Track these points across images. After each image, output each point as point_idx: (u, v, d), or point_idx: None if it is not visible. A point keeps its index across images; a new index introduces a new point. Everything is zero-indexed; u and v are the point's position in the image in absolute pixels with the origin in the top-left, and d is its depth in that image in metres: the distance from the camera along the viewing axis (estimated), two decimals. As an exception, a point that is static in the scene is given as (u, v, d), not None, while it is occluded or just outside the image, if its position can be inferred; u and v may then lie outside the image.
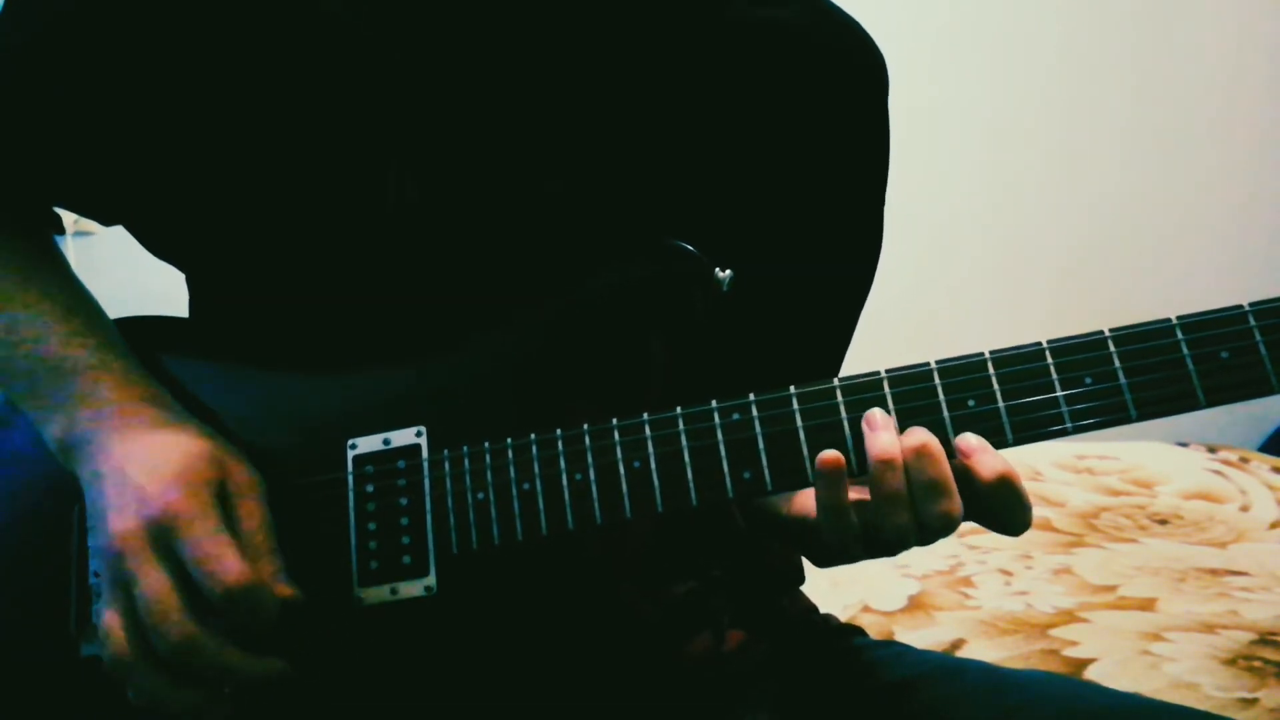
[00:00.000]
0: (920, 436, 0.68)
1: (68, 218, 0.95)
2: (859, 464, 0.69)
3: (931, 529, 0.69)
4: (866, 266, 0.95)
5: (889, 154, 0.94)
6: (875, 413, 0.69)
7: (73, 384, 0.79)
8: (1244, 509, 2.07)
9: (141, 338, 0.86)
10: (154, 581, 0.71)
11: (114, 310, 0.88)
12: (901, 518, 0.68)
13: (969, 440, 0.68)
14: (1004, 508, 0.69)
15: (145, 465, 0.74)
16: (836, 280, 0.93)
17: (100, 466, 0.75)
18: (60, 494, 0.81)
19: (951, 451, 0.68)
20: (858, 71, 0.90)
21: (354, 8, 0.82)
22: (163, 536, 0.72)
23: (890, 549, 0.71)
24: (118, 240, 0.96)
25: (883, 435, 0.68)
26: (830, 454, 0.68)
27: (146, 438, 0.76)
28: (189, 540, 0.71)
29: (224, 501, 0.74)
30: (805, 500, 0.78)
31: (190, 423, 0.78)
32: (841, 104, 0.89)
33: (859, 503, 0.70)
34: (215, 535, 0.72)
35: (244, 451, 0.78)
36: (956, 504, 0.68)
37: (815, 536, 0.73)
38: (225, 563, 0.71)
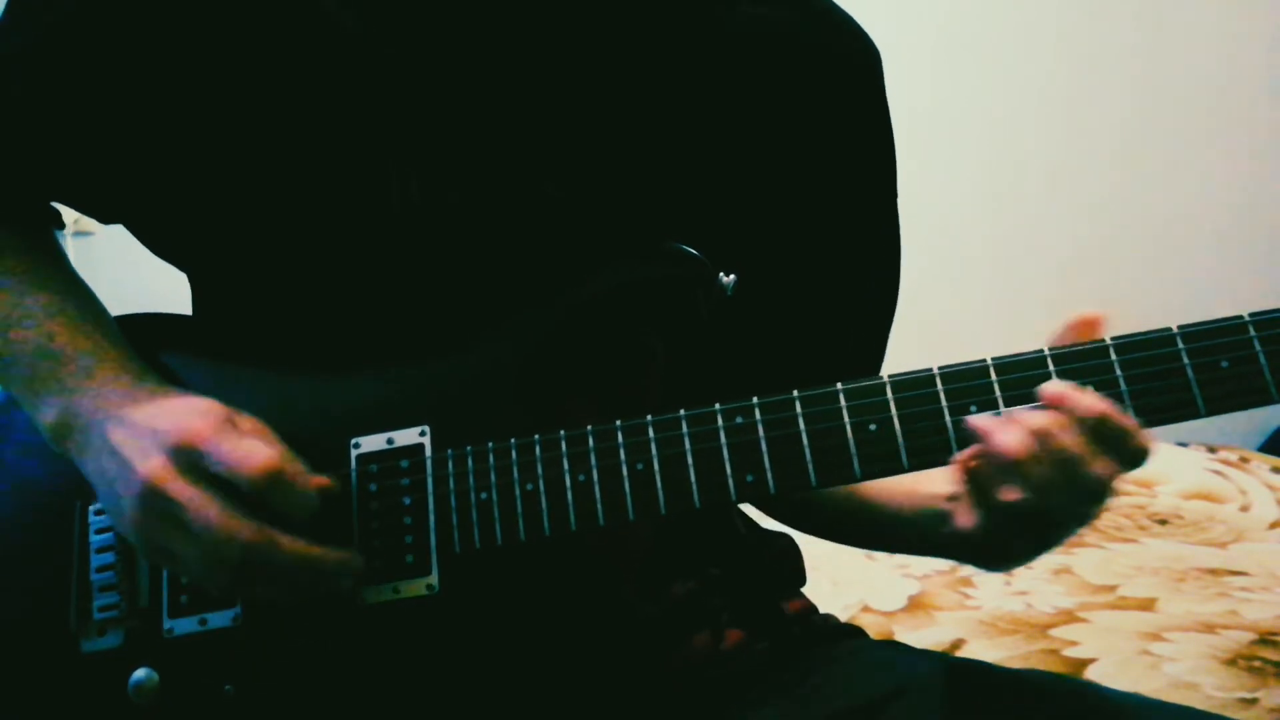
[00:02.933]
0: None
1: (68, 215, 0.95)
2: (861, 468, 0.70)
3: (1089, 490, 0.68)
4: (883, 260, 0.94)
5: (892, 143, 0.93)
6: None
7: (69, 370, 0.79)
8: (1244, 509, 2.08)
9: (144, 334, 0.86)
10: (199, 500, 0.71)
11: (114, 310, 0.88)
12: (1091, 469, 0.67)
13: (1055, 386, 0.68)
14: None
15: (152, 415, 0.75)
16: (846, 278, 0.92)
17: (109, 434, 0.75)
18: (61, 492, 0.81)
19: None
20: (846, 64, 0.90)
21: (357, 11, 0.82)
22: (189, 459, 0.72)
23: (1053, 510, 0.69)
24: (118, 240, 0.96)
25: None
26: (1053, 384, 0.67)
27: (150, 400, 0.77)
28: (213, 450, 0.72)
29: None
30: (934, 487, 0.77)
31: (189, 391, 0.79)
32: (832, 98, 0.89)
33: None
34: (238, 438, 0.72)
35: None
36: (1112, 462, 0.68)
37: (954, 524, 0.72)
38: (255, 452, 0.71)
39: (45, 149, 0.85)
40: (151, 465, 0.72)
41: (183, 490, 0.71)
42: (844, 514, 0.91)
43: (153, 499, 0.72)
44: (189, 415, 0.74)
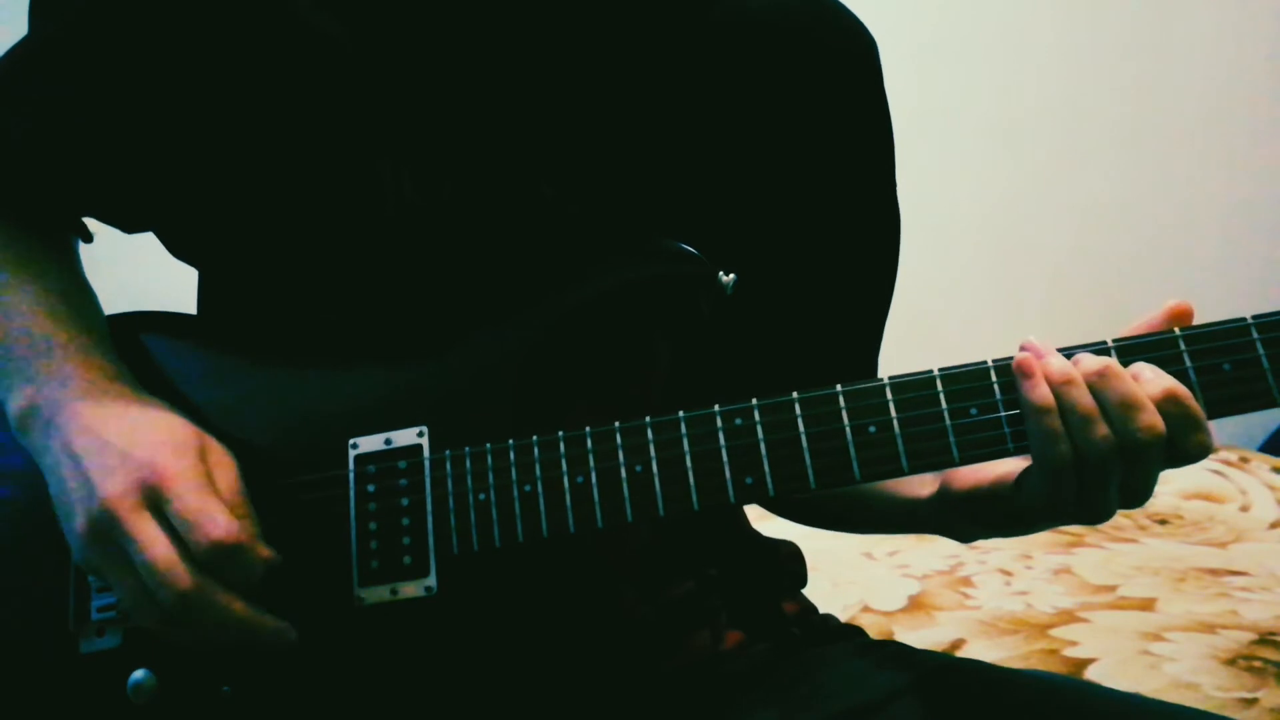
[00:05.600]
0: (1096, 361, 0.67)
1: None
2: (861, 470, 0.69)
3: (1136, 447, 0.66)
4: (882, 253, 0.94)
5: (890, 134, 0.93)
6: (1029, 348, 0.68)
7: (41, 361, 0.79)
8: (1244, 509, 2.08)
9: (143, 331, 0.86)
10: (152, 538, 0.70)
11: (115, 310, 0.88)
12: (1101, 431, 0.66)
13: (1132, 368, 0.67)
14: (1180, 430, 0.66)
15: (126, 432, 0.74)
16: (846, 274, 0.92)
17: (72, 437, 0.74)
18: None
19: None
20: (840, 53, 0.89)
21: (346, 14, 0.83)
22: (153, 497, 0.71)
23: (1100, 485, 0.68)
24: (118, 240, 0.97)
25: (1053, 360, 0.67)
26: (1023, 356, 0.67)
27: (122, 410, 0.76)
28: (177, 498, 0.71)
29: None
30: (979, 473, 0.76)
31: (162, 401, 0.79)
32: (824, 88, 0.88)
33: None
34: (203, 494, 0.71)
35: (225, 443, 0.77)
36: (1157, 417, 0.66)
37: (1005, 502, 0.72)
38: (215, 518, 0.70)
39: (75, 163, 0.86)
40: (112, 491, 0.71)
41: (135, 524, 0.71)
42: (850, 503, 0.92)
43: (106, 524, 0.71)
44: (161, 445, 0.73)
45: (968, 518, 0.79)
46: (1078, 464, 0.67)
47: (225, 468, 0.75)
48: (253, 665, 0.76)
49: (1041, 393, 0.67)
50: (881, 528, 0.98)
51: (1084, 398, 0.67)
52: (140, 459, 0.72)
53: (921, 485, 0.83)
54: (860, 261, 0.93)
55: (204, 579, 0.70)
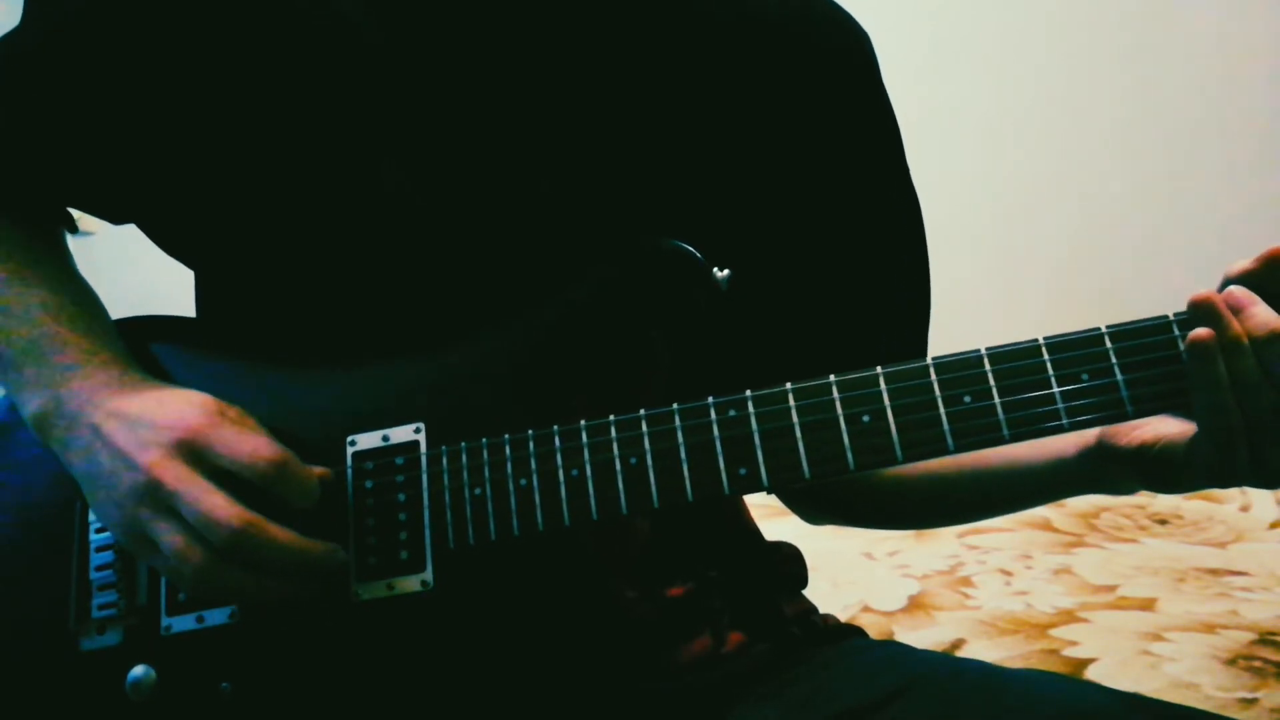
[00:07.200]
0: (1265, 322, 0.64)
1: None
2: (855, 459, 0.70)
3: None
4: (905, 234, 0.94)
5: (896, 131, 0.93)
6: (1206, 308, 0.65)
7: (57, 363, 0.80)
8: (1244, 509, 2.08)
9: (142, 334, 0.86)
10: (198, 487, 0.72)
11: (115, 310, 0.88)
12: (1269, 398, 0.64)
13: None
14: None
15: (150, 408, 0.76)
16: (870, 257, 0.92)
17: (100, 423, 0.76)
18: (61, 493, 0.81)
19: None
20: (839, 54, 0.90)
21: (364, 6, 0.83)
22: (191, 451, 0.73)
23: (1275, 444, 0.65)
24: (118, 240, 0.97)
25: (1229, 327, 0.64)
26: (1202, 330, 0.64)
27: (143, 392, 0.78)
28: (218, 443, 0.73)
29: None
30: (1144, 430, 0.74)
31: (176, 385, 0.80)
32: (825, 87, 0.89)
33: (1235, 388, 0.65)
34: (240, 432, 0.73)
35: None
36: None
37: (1172, 464, 0.71)
38: (260, 448, 0.73)
39: (55, 148, 0.86)
40: (151, 457, 0.73)
41: (180, 479, 0.72)
42: (946, 487, 0.91)
43: (151, 489, 0.72)
44: (186, 408, 0.75)
45: (1134, 473, 0.77)
46: (1247, 430, 0.66)
47: (249, 421, 0.76)
48: (252, 661, 0.76)
49: (1217, 372, 0.65)
50: (998, 505, 0.94)
51: (1253, 368, 0.65)
52: (168, 423, 0.74)
53: (1055, 446, 0.81)
54: (882, 245, 0.93)
55: (254, 513, 0.71)
